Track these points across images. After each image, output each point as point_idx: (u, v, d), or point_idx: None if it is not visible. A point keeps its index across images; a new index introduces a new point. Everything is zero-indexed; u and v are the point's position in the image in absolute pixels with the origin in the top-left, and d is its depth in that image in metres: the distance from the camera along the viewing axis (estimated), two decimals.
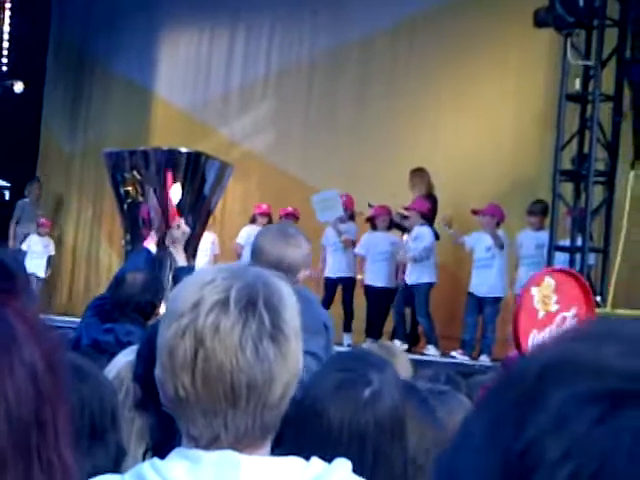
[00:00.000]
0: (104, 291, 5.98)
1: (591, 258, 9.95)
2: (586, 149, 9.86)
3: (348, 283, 12.27)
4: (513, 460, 0.65)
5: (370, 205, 12.12)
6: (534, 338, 4.90)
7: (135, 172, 11.08)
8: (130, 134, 15.26)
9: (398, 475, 2.30)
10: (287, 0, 14.62)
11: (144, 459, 1.77)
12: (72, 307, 15.03)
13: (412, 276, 11.50)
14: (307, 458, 1.67)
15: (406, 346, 10.95)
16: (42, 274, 15.00)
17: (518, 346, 4.95)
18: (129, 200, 11.18)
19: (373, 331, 11.62)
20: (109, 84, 16.60)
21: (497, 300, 11.12)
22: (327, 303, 11.82)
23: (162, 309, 4.91)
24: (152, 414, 2.13)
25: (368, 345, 6.84)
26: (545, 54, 11.79)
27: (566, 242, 10.06)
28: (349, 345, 11.46)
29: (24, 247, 14.91)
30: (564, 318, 5.09)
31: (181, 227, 5.56)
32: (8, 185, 17.84)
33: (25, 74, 16.31)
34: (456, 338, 11.47)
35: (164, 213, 6.60)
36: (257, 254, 3.91)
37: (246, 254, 11.72)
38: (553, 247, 9.92)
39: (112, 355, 3.50)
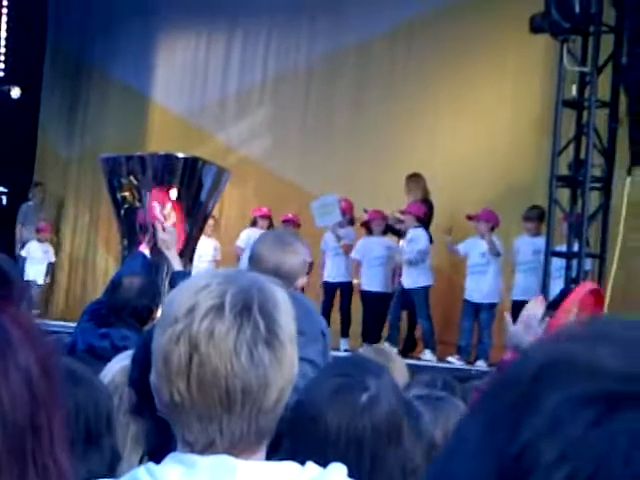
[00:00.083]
0: (100, 296, 5.98)
1: (587, 264, 9.95)
2: (582, 155, 9.86)
3: (347, 288, 12.29)
4: (508, 464, 0.64)
5: (365, 211, 12.14)
6: None
7: (132, 177, 11.07)
8: (127, 139, 15.25)
9: None
10: (285, 6, 14.62)
11: (140, 464, 1.77)
12: (69, 312, 15.01)
13: (408, 280, 11.51)
14: (304, 463, 1.68)
15: (396, 350, 10.95)
16: (41, 281, 14.97)
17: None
18: (126, 205, 11.17)
19: (370, 336, 11.61)
20: (106, 89, 16.58)
21: (493, 306, 11.13)
22: (327, 308, 11.85)
23: (159, 314, 4.91)
24: (148, 419, 2.13)
25: (364, 350, 6.84)
26: (541, 60, 11.81)
27: (563, 248, 10.06)
28: (346, 350, 11.46)
29: (23, 253, 14.88)
30: None
31: (166, 229, 5.52)
32: (5, 190, 17.84)
33: (22, 80, 16.30)
34: (452, 343, 11.49)
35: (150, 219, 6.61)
36: (255, 261, 3.91)
37: (246, 257, 11.71)
38: (549, 252, 9.92)
39: (108, 360, 3.50)
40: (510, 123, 12.36)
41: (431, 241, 11.73)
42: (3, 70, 16.48)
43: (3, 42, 16.60)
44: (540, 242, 10.36)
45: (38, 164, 17.16)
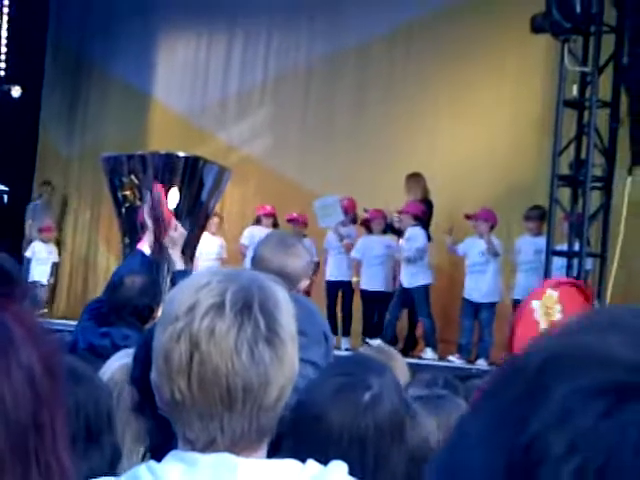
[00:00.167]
0: (100, 294, 5.98)
1: (588, 263, 9.95)
2: (583, 155, 9.86)
3: (348, 287, 12.30)
4: (517, 456, 0.63)
5: (365, 210, 12.15)
6: None
7: (133, 176, 11.06)
8: (128, 138, 15.25)
9: (399, 478, 2.30)
10: (284, 6, 14.62)
11: (143, 462, 1.77)
12: (70, 311, 15.03)
13: (407, 279, 11.51)
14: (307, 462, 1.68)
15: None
16: (46, 281, 14.95)
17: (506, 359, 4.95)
18: (127, 204, 11.17)
19: (371, 335, 11.61)
20: (106, 88, 16.58)
21: (493, 305, 11.14)
22: (330, 307, 11.87)
23: (160, 313, 4.90)
24: (150, 417, 2.13)
25: (365, 349, 6.83)
26: (542, 60, 11.81)
27: (563, 247, 10.07)
28: (347, 349, 11.47)
29: (28, 254, 14.86)
30: None
31: (178, 229, 5.54)
32: (6, 189, 17.84)
33: (23, 78, 16.30)
34: (453, 342, 11.49)
35: (159, 217, 6.57)
36: (258, 263, 3.90)
37: (250, 255, 11.72)
38: (550, 252, 9.92)
39: (108, 359, 3.50)
40: (510, 123, 12.36)
41: (429, 239, 11.75)
42: (4, 69, 16.48)
43: (4, 41, 16.60)
44: (542, 242, 10.34)
45: (39, 162, 17.17)
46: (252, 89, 15.26)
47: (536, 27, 9.88)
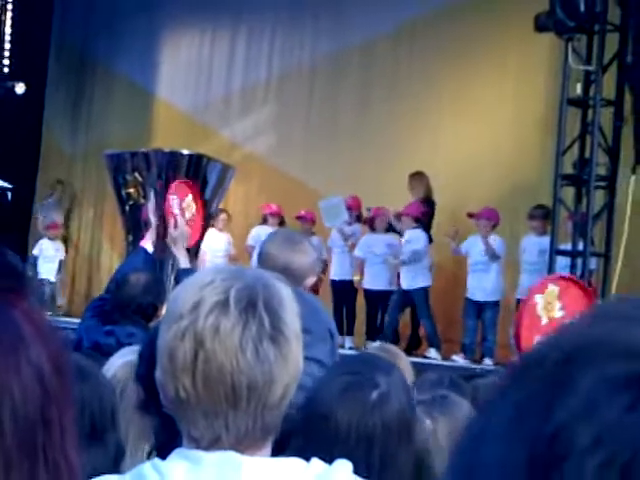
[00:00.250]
0: (103, 292, 5.98)
1: (592, 262, 9.94)
2: (587, 154, 9.86)
3: (351, 286, 12.30)
4: (540, 448, 0.61)
5: (368, 209, 12.16)
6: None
7: (137, 174, 11.07)
8: (131, 136, 15.26)
9: (406, 478, 2.30)
10: (288, 4, 14.62)
11: (148, 459, 1.78)
12: (74, 308, 15.05)
13: (405, 280, 11.52)
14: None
15: None
16: (53, 278, 14.95)
17: (519, 351, 4.92)
18: (131, 202, 11.17)
19: (374, 334, 11.61)
20: (110, 86, 16.59)
21: (496, 303, 11.14)
22: (336, 306, 11.88)
23: (164, 311, 4.89)
24: (155, 415, 2.14)
25: (369, 347, 6.85)
26: (546, 58, 11.80)
27: (567, 246, 10.06)
28: (351, 348, 11.47)
29: (35, 251, 14.86)
30: None
31: (179, 227, 5.51)
32: (10, 187, 17.85)
33: (27, 75, 16.30)
34: (456, 341, 11.49)
35: (161, 215, 6.58)
36: (264, 260, 3.89)
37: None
38: (554, 251, 9.92)
39: None
40: (514, 122, 12.35)
41: (431, 241, 11.76)
42: (8, 66, 16.49)
43: (8, 38, 16.61)
44: (546, 242, 10.30)
45: (43, 160, 17.18)
46: (256, 86, 15.26)
47: (540, 26, 9.88)
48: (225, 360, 1.62)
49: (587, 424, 0.61)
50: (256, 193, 14.70)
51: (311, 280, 4.01)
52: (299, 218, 12.75)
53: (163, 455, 1.69)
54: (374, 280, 11.96)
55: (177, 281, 5.17)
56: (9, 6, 16.60)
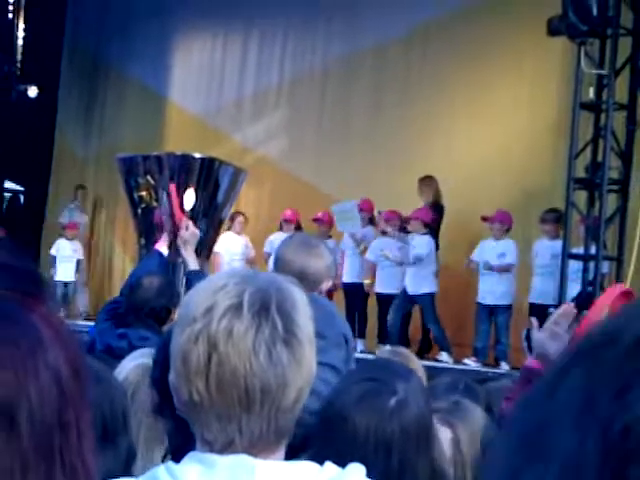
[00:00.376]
0: (117, 294, 5.99)
1: (605, 266, 9.92)
2: (600, 157, 9.84)
3: (363, 289, 12.30)
4: (615, 440, 0.57)
5: (379, 212, 12.15)
6: None
7: (149, 177, 11.09)
8: (144, 139, 15.28)
9: None
10: (301, 8, 14.63)
11: (163, 463, 1.78)
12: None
13: (410, 285, 11.51)
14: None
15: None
16: (72, 278, 14.94)
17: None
18: (143, 205, 11.20)
19: (385, 338, 11.61)
20: (123, 89, 16.63)
21: (508, 307, 11.13)
22: (348, 308, 11.87)
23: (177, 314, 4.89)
24: (169, 419, 2.14)
25: (380, 351, 6.84)
26: (559, 63, 11.78)
27: (580, 250, 10.04)
28: (362, 351, 11.46)
29: (53, 252, 14.85)
30: None
31: (190, 228, 5.51)
32: (22, 189, 17.92)
33: (39, 79, 16.37)
34: (467, 345, 11.48)
35: (172, 217, 6.60)
36: (280, 264, 3.85)
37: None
38: (566, 255, 9.91)
39: None
40: (527, 126, 12.33)
41: (437, 248, 11.78)
42: (21, 69, 16.54)
43: (21, 41, 16.66)
44: (559, 246, 10.30)
45: (55, 163, 17.22)
46: (268, 90, 15.27)
47: (552, 30, 9.86)
48: (238, 363, 1.62)
49: None
50: (268, 197, 14.72)
51: (327, 284, 3.97)
52: (316, 220, 12.72)
53: (177, 458, 1.69)
54: (385, 284, 11.96)
55: (187, 283, 5.18)
56: (22, 10, 16.65)
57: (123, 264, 15.94)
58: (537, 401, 0.64)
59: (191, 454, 1.68)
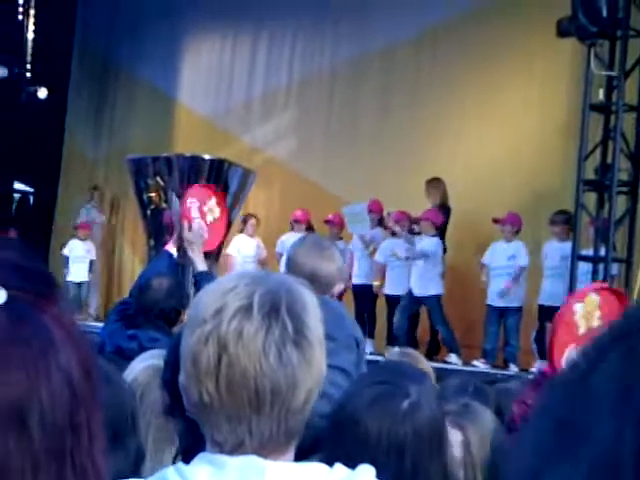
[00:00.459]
0: (127, 295, 5.99)
1: (614, 268, 9.91)
2: (609, 159, 9.83)
3: (371, 290, 12.30)
4: None
5: (388, 214, 12.14)
6: (571, 353, 4.80)
7: (158, 178, 11.11)
8: (153, 141, 15.30)
9: None
10: (310, 9, 14.63)
11: (174, 463, 1.78)
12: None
13: (417, 286, 11.51)
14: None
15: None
16: (84, 278, 14.92)
17: (551, 359, 4.87)
18: (152, 206, 11.21)
19: (394, 339, 11.61)
20: (133, 91, 16.65)
21: (518, 309, 11.11)
22: (358, 310, 11.87)
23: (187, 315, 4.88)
24: (180, 420, 2.14)
25: (390, 353, 6.84)
26: (568, 64, 11.77)
27: (589, 252, 10.03)
28: (371, 352, 11.46)
29: (66, 252, 14.85)
30: None
31: (193, 228, 5.49)
32: (32, 191, 17.95)
33: (49, 80, 16.40)
34: (476, 347, 11.47)
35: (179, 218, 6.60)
36: (291, 266, 3.83)
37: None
38: (576, 257, 9.89)
39: None
40: (536, 127, 12.31)
41: (445, 251, 11.78)
42: (31, 71, 16.57)
43: (31, 43, 16.70)
44: (568, 248, 10.29)
45: (65, 165, 17.25)
46: (277, 92, 15.28)
47: (562, 31, 9.86)
48: (248, 364, 1.62)
49: None
50: (277, 198, 14.72)
51: (339, 287, 3.94)
52: (327, 222, 12.72)
53: (187, 459, 1.69)
54: (395, 285, 11.96)
55: (195, 284, 5.17)
56: (32, 11, 16.68)
57: (132, 265, 15.96)
58: (571, 386, 0.63)
59: (201, 455, 1.68)
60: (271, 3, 14.93)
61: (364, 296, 12.26)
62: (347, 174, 13.67)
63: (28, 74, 16.56)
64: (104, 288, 16.24)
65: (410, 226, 11.99)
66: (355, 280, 12.30)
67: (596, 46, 9.75)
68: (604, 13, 9.45)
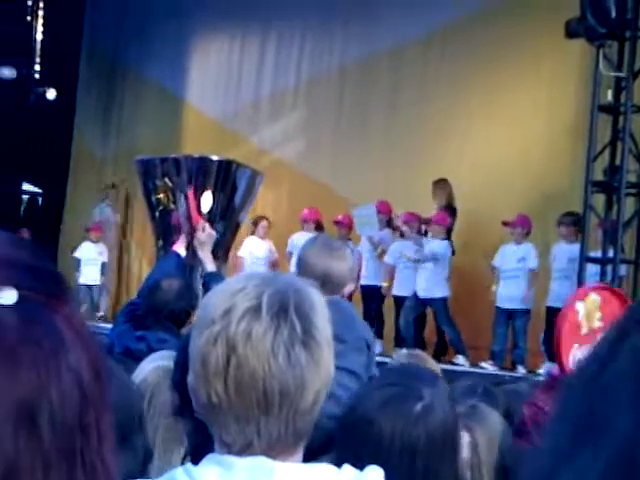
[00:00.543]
0: (135, 296, 5.99)
1: (622, 269, 9.90)
2: (618, 160, 9.81)
3: (379, 291, 12.30)
4: None
5: (397, 216, 12.14)
6: (575, 353, 4.80)
7: (166, 179, 11.12)
8: (162, 141, 15.32)
9: None
10: (318, 9, 14.63)
11: (183, 464, 1.79)
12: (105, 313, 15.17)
13: (423, 290, 11.50)
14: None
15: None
16: (96, 281, 14.84)
17: (560, 361, 4.86)
18: (161, 207, 11.22)
19: (403, 341, 11.60)
20: (141, 91, 16.67)
21: (527, 311, 11.10)
22: (366, 311, 11.86)
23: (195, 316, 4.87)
24: (190, 420, 2.14)
25: (397, 354, 6.83)
26: (577, 65, 11.75)
27: (597, 253, 10.01)
28: (380, 353, 11.46)
29: (77, 255, 14.78)
30: None
31: (206, 230, 5.51)
32: (40, 191, 17.99)
33: (58, 81, 16.43)
34: (483, 348, 11.45)
35: (189, 220, 6.60)
36: (303, 267, 3.81)
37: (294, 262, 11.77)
38: (584, 258, 9.88)
39: None
40: (544, 128, 12.30)
41: (453, 253, 11.78)
42: (39, 72, 16.60)
43: (39, 44, 16.73)
44: (576, 250, 10.27)
45: (73, 165, 17.27)
46: (285, 92, 15.28)
47: (571, 32, 9.85)
48: (257, 365, 1.62)
49: None
50: (285, 199, 14.72)
51: (350, 287, 3.93)
52: (336, 223, 12.71)
53: (196, 460, 1.70)
54: (403, 286, 11.95)
55: (204, 285, 5.18)
56: (40, 12, 16.72)
57: (140, 266, 15.97)
58: (586, 385, 0.63)
59: (209, 456, 1.68)
60: (279, 3, 14.93)
61: (372, 297, 12.26)
62: (356, 174, 13.67)
63: (37, 75, 16.60)
64: (114, 289, 16.25)
65: (419, 227, 11.99)
66: (363, 281, 12.29)
67: (605, 47, 9.74)
68: (613, 14, 9.44)
